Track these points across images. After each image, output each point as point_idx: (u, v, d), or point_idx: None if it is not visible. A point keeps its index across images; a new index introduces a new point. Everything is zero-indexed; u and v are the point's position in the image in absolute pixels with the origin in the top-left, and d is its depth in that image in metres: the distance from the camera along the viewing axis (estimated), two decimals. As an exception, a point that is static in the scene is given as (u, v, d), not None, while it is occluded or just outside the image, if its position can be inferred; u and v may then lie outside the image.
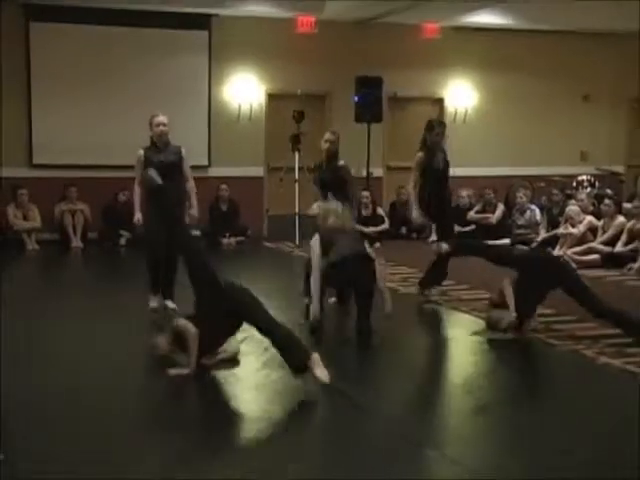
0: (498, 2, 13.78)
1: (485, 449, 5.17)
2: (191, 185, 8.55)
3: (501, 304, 7.75)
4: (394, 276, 10.59)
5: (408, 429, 5.38)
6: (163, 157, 8.33)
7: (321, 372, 5.92)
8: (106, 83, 14.04)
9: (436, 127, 9.18)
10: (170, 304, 8.55)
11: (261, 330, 6.30)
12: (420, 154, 9.12)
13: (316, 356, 5.99)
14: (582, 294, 7.56)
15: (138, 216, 8.44)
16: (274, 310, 7.03)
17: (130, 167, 12.73)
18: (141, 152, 8.41)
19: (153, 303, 8.51)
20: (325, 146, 8.87)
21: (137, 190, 8.49)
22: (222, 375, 6.44)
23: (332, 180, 8.72)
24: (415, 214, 9.28)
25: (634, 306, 8.12)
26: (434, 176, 9.12)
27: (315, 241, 7.85)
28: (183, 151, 8.52)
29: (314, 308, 7.62)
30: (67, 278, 12.09)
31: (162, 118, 8.38)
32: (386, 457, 4.88)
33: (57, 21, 13.80)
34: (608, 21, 15.19)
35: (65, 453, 4.89)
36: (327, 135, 9.01)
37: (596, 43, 16.19)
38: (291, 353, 6.05)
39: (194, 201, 8.58)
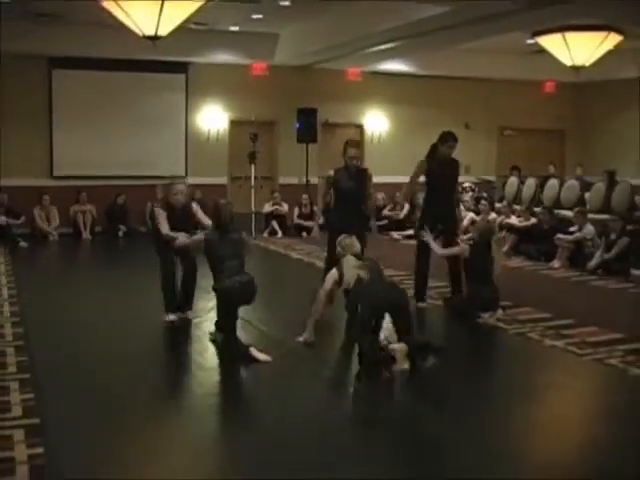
0: (404, 54, 14.42)
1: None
2: (207, 223, 6.97)
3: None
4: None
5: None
6: (179, 217, 6.91)
7: (262, 356, 5.73)
8: (108, 114, 14.30)
9: (450, 140, 7.54)
10: (190, 315, 7.13)
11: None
12: (422, 160, 7.72)
13: (252, 349, 5.77)
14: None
15: (185, 240, 6.85)
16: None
17: (125, 177, 13.75)
18: (161, 211, 6.92)
19: (170, 317, 7.03)
20: (352, 162, 7.41)
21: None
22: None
23: (359, 184, 7.49)
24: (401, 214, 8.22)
25: (507, 278, 8.22)
26: (436, 183, 7.72)
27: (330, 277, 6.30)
28: (194, 206, 7.19)
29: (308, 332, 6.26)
30: (80, 260, 12.76)
31: (181, 187, 7.09)
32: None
33: (72, 68, 14.00)
34: (484, 69, 16.05)
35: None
36: (353, 152, 7.45)
37: (474, 86, 16.72)
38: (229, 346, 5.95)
39: (204, 219, 7.06)
